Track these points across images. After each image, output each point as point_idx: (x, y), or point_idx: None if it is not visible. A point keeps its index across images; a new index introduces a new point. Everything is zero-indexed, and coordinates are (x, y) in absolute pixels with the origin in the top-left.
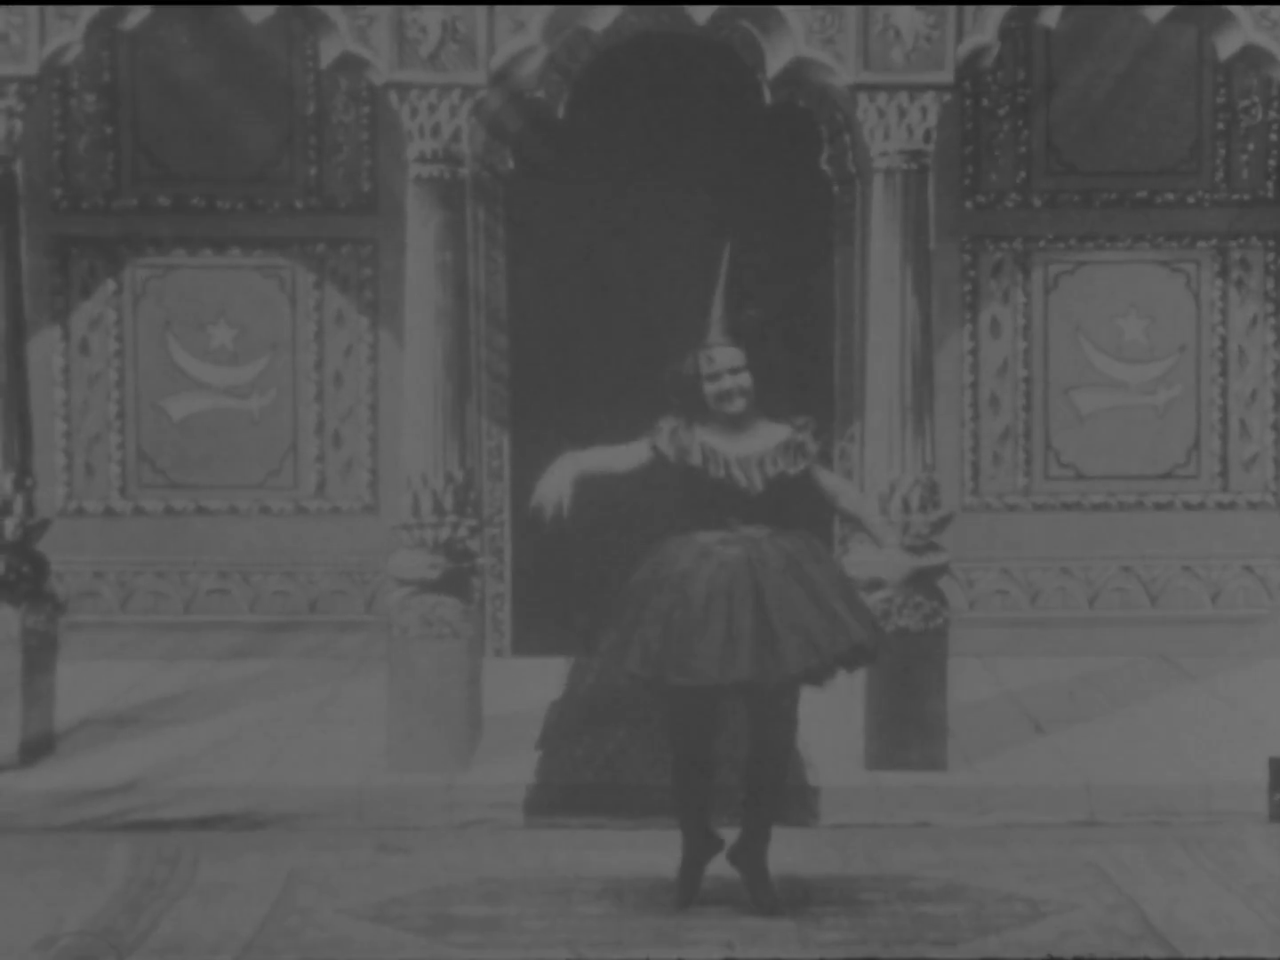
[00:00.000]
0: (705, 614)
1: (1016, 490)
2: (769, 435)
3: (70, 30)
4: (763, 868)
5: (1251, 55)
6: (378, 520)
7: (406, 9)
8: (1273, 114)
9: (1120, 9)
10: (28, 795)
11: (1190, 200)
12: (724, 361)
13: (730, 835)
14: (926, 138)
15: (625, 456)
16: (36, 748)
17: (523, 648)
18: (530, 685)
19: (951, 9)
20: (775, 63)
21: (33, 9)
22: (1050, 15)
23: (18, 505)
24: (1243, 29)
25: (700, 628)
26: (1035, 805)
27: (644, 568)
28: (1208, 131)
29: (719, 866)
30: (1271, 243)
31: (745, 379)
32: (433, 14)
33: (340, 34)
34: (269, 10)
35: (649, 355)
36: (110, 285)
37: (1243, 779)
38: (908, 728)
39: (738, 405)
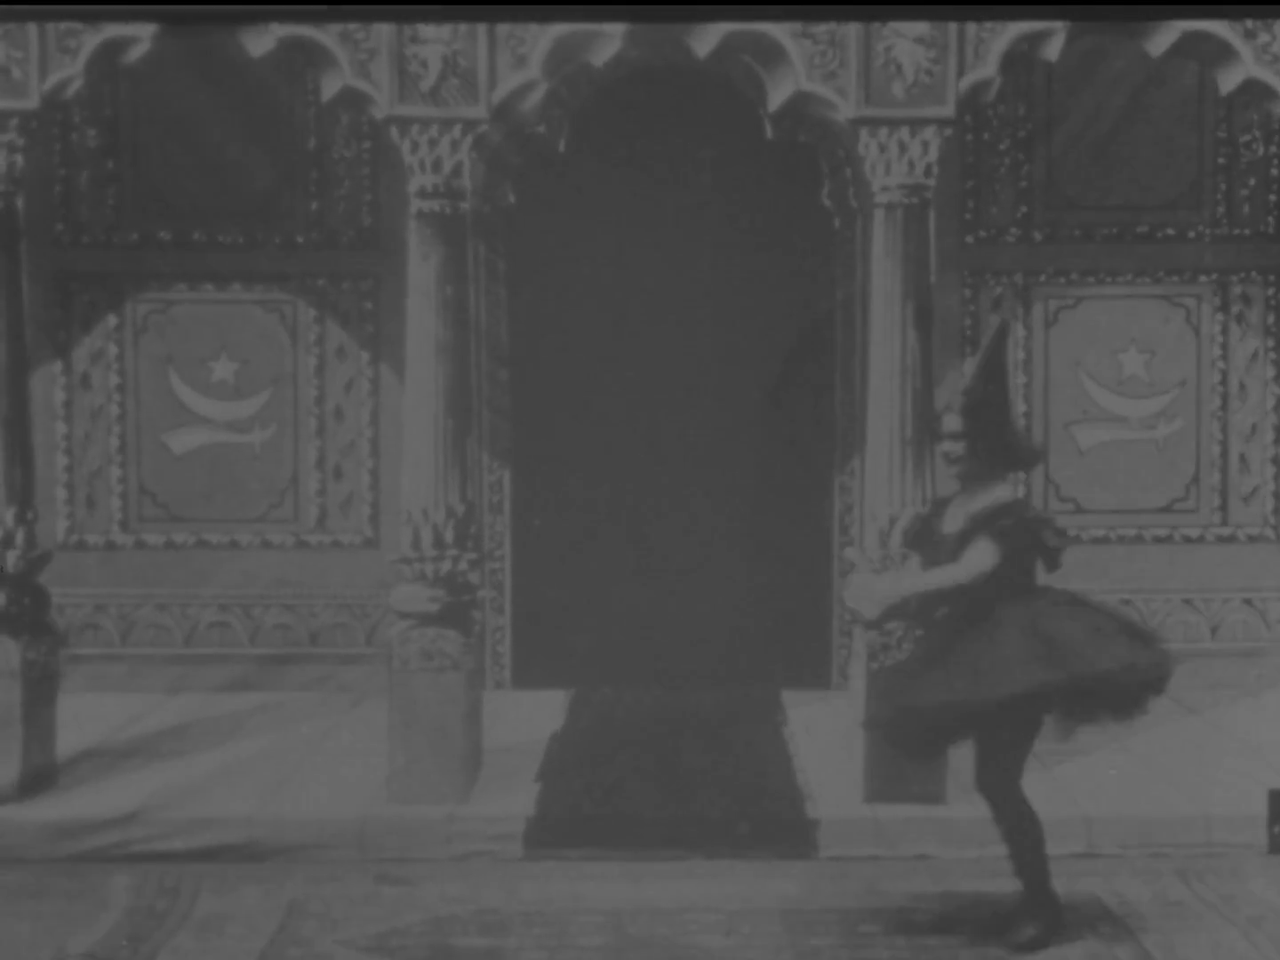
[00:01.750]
0: None
1: None
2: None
3: (71, 64)
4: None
5: (1252, 90)
6: (378, 554)
7: (407, 44)
8: (1273, 149)
9: (1122, 44)
10: (29, 827)
11: (1191, 235)
12: (947, 426)
13: (733, 867)
14: (927, 172)
15: None
16: (37, 779)
17: (523, 680)
18: (530, 718)
19: (953, 44)
20: (776, 97)
21: (34, 43)
22: (1052, 50)
23: (19, 538)
24: (1244, 64)
25: None
26: None
27: None
28: (1208, 166)
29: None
30: (1272, 277)
31: (959, 448)
32: (434, 49)
33: (341, 69)
34: (270, 45)
35: (649, 386)
36: (111, 320)
37: (1242, 812)
38: (907, 760)
39: (951, 470)
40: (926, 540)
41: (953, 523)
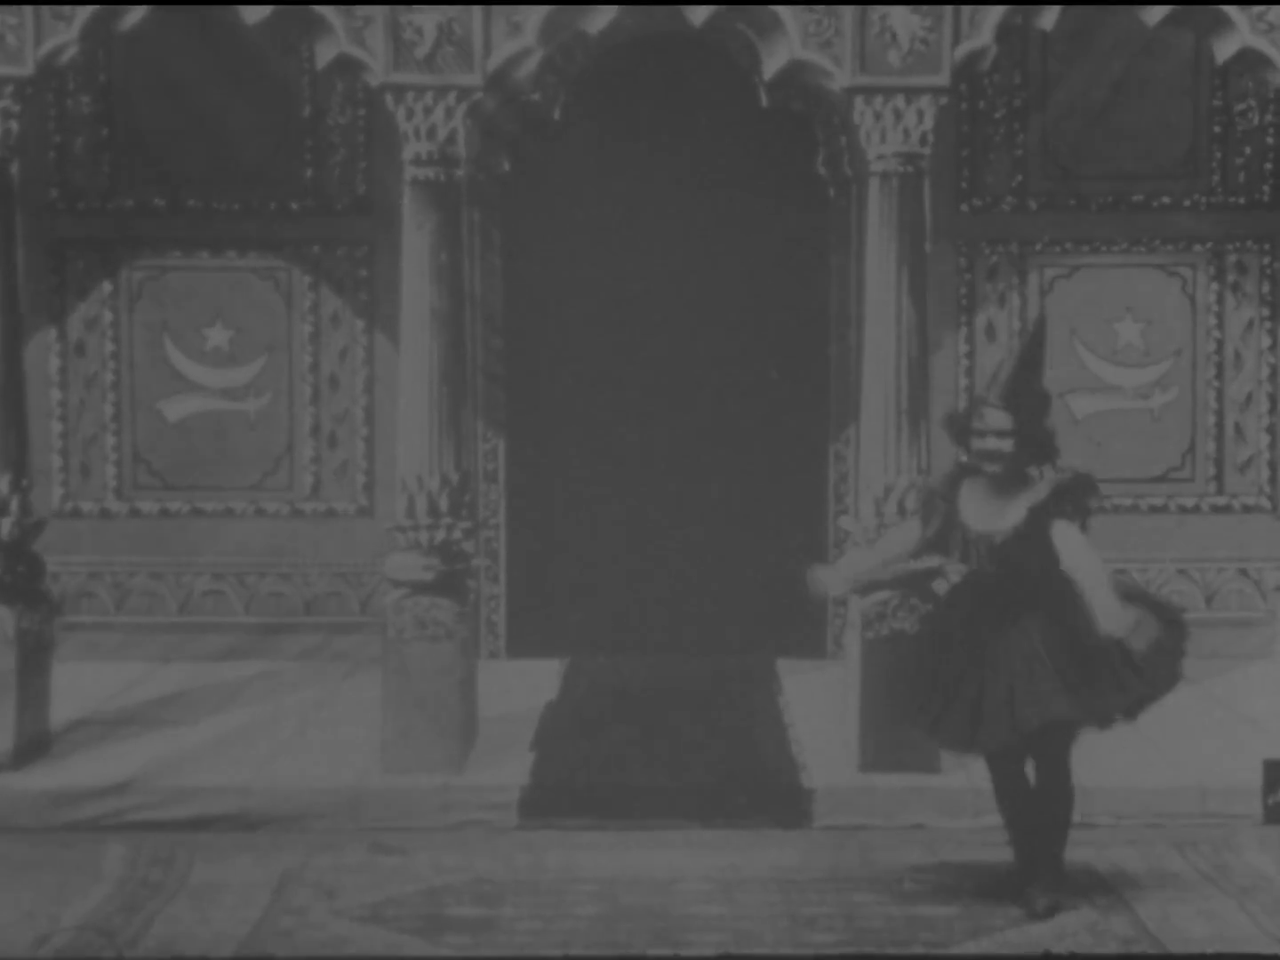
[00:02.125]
0: None
1: None
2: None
3: (66, 31)
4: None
5: (1248, 59)
6: (373, 522)
7: (402, 11)
8: (1269, 118)
9: (1117, 12)
10: (23, 796)
11: (1186, 204)
12: (992, 422)
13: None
14: (923, 141)
15: None
16: (32, 748)
17: (517, 649)
18: (525, 687)
19: (948, 12)
20: (771, 65)
21: (28, 9)
22: (1047, 18)
23: (14, 506)
24: (1239, 33)
25: None
26: None
27: None
28: (1204, 135)
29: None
30: (1268, 246)
31: (1007, 444)
32: (429, 16)
33: (336, 36)
34: (265, 12)
35: (644, 355)
36: (106, 287)
37: (1237, 782)
38: (901, 729)
39: (993, 467)
40: (934, 517)
41: (996, 520)
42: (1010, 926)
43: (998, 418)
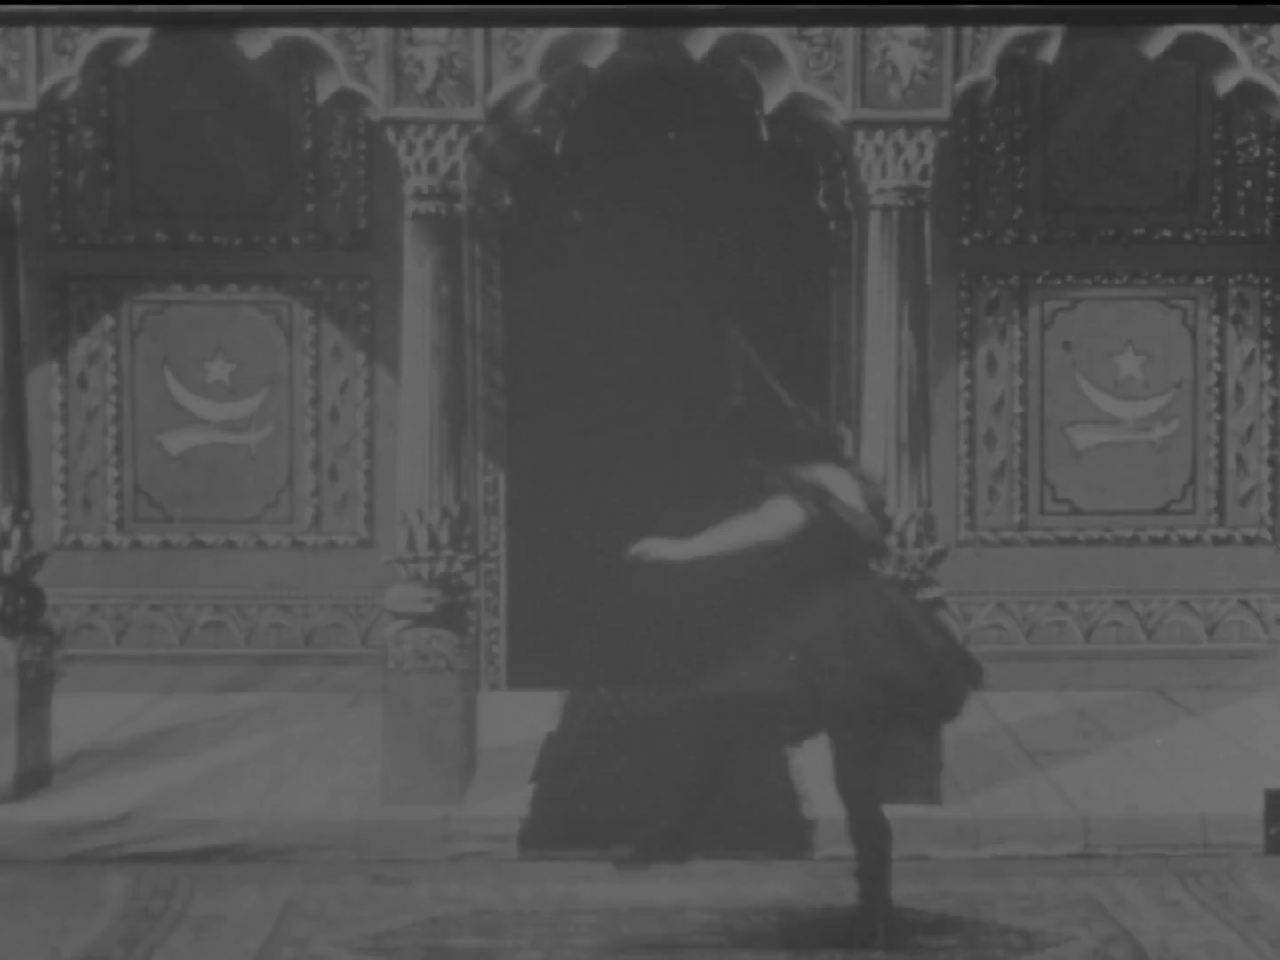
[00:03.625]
0: None
1: (1012, 525)
2: None
3: (68, 66)
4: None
5: (1249, 92)
6: (374, 554)
7: (403, 45)
8: (1270, 151)
9: (1118, 46)
10: (23, 827)
11: (1187, 237)
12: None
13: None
14: (923, 174)
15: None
16: (32, 780)
17: (518, 681)
18: (525, 718)
19: (949, 46)
20: (772, 99)
21: (31, 45)
22: (1048, 51)
23: (15, 538)
24: (1240, 66)
25: None
26: (1030, 838)
27: None
28: (1205, 168)
29: (717, 900)
30: (1269, 279)
31: None
32: (429, 50)
33: (337, 70)
34: (266, 46)
35: (644, 388)
36: (108, 321)
37: (1239, 812)
38: (903, 760)
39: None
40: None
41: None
42: (1013, 957)
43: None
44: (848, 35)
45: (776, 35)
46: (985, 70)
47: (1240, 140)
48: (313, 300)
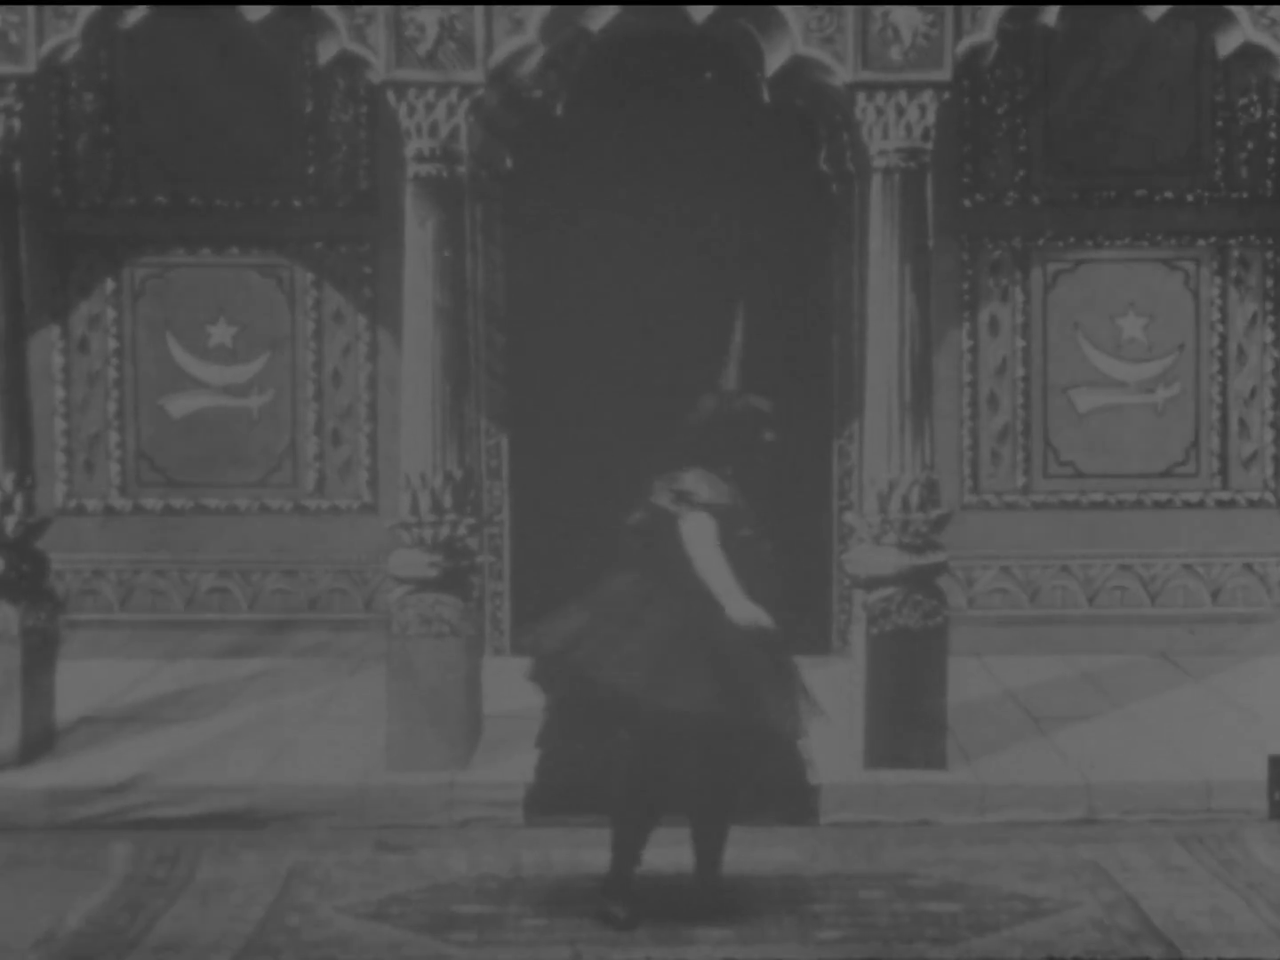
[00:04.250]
0: None
1: (1015, 489)
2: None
3: (68, 29)
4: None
5: (1250, 54)
6: (377, 519)
7: (404, 8)
8: (1271, 112)
9: (1119, 8)
10: (28, 794)
11: (1189, 198)
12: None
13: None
14: (925, 136)
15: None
16: (36, 746)
17: (522, 646)
18: (530, 684)
19: (950, 8)
20: (773, 61)
21: (31, 8)
22: (1049, 14)
23: (18, 503)
24: (1241, 27)
25: None
26: (1035, 803)
27: None
28: (1206, 130)
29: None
30: (1271, 241)
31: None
32: (430, 13)
33: (338, 32)
34: (266, 9)
35: (647, 351)
36: (109, 284)
37: (1243, 777)
38: (907, 726)
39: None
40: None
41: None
42: (1017, 923)
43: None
44: None
45: None
46: (986, 32)
47: (1242, 101)
48: (314, 263)
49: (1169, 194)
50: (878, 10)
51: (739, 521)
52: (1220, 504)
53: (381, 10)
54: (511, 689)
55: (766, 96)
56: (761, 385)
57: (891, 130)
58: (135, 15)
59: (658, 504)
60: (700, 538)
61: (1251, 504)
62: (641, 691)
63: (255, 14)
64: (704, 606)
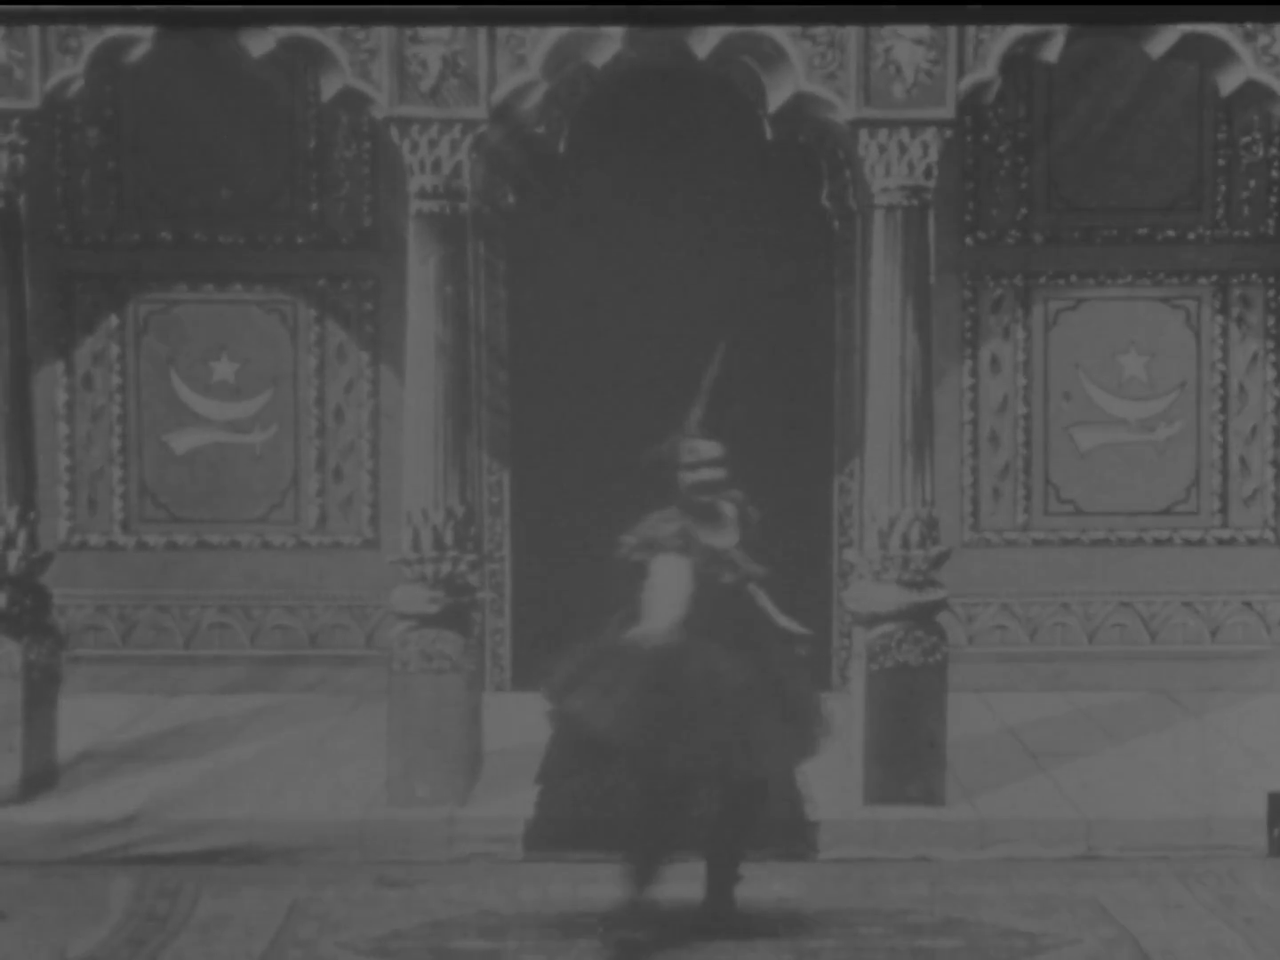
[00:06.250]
0: None
1: (1016, 526)
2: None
3: (72, 64)
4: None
5: (1252, 92)
6: (378, 555)
7: (407, 44)
8: (1273, 150)
9: (1121, 45)
10: (29, 829)
11: (1191, 237)
12: (705, 453)
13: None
14: (927, 173)
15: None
16: (38, 781)
17: (523, 682)
18: (530, 720)
19: (952, 45)
20: (776, 98)
21: (36, 43)
22: (1051, 51)
23: (21, 539)
24: (1244, 65)
25: None
26: (1034, 839)
27: None
28: (1208, 168)
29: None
30: (1272, 279)
31: (720, 473)
32: (433, 49)
33: (341, 69)
34: (270, 45)
35: (649, 388)
36: (113, 320)
37: (1242, 814)
38: (906, 762)
39: (707, 497)
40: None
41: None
42: (1017, 958)
43: (709, 448)
44: (851, 34)
45: (780, 34)
46: (989, 69)
47: (1244, 140)
48: (317, 299)
49: (1170, 232)
50: (880, 47)
51: (716, 562)
52: (1220, 542)
53: (385, 46)
54: (512, 725)
55: (769, 133)
56: (761, 421)
57: (894, 167)
58: (139, 51)
59: (624, 548)
60: (657, 581)
61: (1252, 542)
62: (637, 745)
63: (258, 50)
64: (703, 647)
